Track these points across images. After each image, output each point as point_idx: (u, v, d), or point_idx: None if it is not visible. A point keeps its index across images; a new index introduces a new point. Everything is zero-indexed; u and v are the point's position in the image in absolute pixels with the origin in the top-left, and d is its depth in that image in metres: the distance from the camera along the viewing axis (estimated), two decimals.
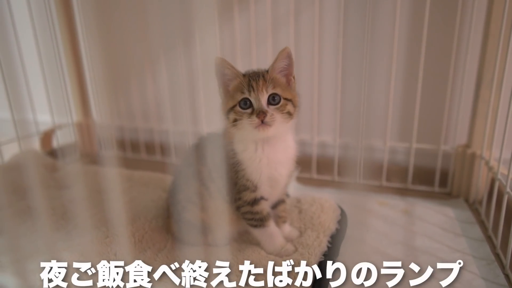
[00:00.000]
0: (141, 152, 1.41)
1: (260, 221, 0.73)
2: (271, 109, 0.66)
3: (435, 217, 0.92)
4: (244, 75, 0.69)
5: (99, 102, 1.48)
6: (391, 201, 1.02)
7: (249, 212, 0.72)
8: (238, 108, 0.67)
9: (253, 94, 0.66)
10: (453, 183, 1.04)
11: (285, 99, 0.68)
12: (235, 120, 0.67)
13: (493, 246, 0.79)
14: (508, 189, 0.74)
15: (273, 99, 0.67)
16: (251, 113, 0.66)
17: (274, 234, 0.74)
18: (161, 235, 0.81)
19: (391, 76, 1.02)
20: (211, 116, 1.28)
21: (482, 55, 0.94)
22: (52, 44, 1.24)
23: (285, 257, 0.71)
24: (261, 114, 0.65)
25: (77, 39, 1.35)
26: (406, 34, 1.04)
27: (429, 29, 0.95)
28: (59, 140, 1.37)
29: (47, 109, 1.28)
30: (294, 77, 0.72)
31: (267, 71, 0.69)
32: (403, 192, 1.08)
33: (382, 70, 1.07)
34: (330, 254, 0.73)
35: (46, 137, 1.34)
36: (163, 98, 1.31)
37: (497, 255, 0.76)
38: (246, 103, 0.67)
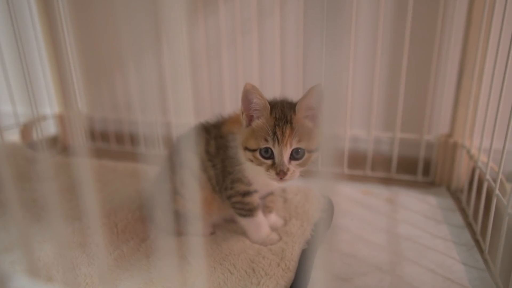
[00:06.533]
0: (125, 143, 1.39)
1: (249, 211, 0.72)
2: (292, 165, 0.62)
3: (418, 205, 0.94)
4: (271, 111, 0.63)
5: (82, 94, 1.46)
6: (375, 190, 1.03)
7: (240, 202, 0.72)
8: (258, 154, 0.63)
9: (277, 147, 0.61)
10: (436, 172, 1.06)
11: (310, 151, 0.63)
12: (252, 160, 0.64)
13: (473, 233, 0.81)
14: (488, 177, 0.75)
15: (296, 153, 0.62)
16: (271, 166, 0.62)
17: (261, 224, 0.74)
18: (145, 225, 0.81)
19: (375, 67, 1.03)
20: (197, 108, 1.27)
21: (464, 46, 0.95)
22: (33, 34, 1.20)
23: (270, 245, 0.72)
24: (281, 173, 0.61)
25: (57, 29, 1.32)
26: (390, 26, 1.04)
27: (412, 21, 0.96)
28: (42, 132, 1.34)
29: (28, 101, 1.24)
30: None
31: (294, 111, 0.63)
32: (387, 181, 1.09)
33: (366, 61, 1.07)
34: (313, 242, 0.74)
35: (26, 129, 1.31)
36: (147, 89, 1.29)
37: (476, 241, 0.78)
38: (267, 152, 0.62)
